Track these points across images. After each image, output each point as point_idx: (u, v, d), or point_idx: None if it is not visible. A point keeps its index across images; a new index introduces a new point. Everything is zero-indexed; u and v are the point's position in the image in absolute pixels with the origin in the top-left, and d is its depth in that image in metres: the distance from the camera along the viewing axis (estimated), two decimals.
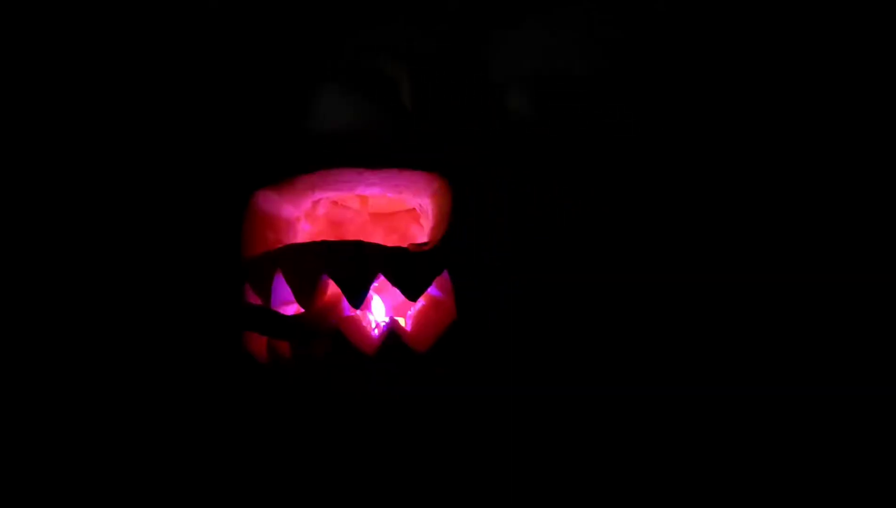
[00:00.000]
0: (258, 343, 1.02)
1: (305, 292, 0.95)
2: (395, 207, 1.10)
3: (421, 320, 0.99)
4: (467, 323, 0.98)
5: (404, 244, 0.98)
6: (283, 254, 0.97)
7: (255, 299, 1.00)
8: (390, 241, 1.07)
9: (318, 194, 1.05)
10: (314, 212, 1.09)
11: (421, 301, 0.99)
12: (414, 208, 1.08)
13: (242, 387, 1.05)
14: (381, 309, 1.02)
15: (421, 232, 1.08)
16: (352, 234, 1.10)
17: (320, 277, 0.94)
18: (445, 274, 0.97)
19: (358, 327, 0.98)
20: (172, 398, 1.06)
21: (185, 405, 1.06)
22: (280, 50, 1.11)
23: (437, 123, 1.09)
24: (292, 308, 0.99)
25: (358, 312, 0.98)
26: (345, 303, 0.97)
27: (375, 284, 0.96)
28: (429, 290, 0.97)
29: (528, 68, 1.12)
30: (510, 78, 1.12)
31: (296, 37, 1.11)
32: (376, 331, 0.99)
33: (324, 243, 0.99)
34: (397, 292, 0.97)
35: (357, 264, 0.95)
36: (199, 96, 1.10)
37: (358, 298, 0.94)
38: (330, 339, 0.95)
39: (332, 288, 0.97)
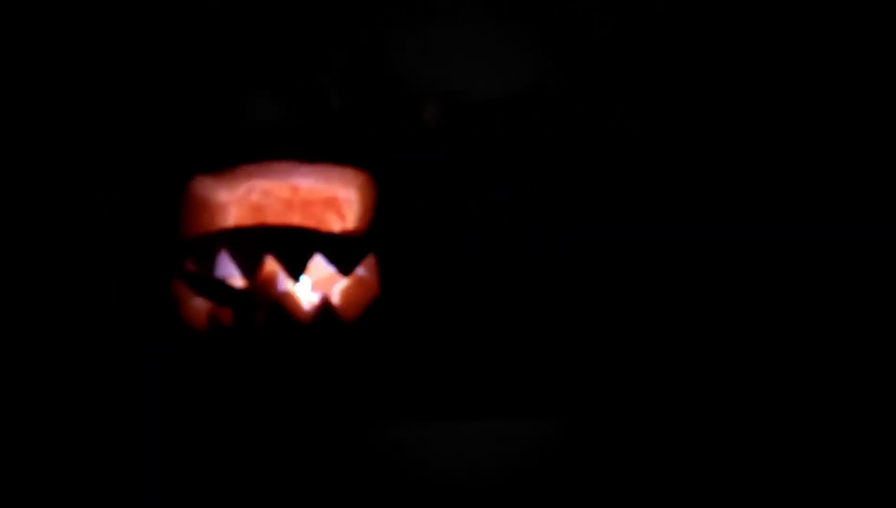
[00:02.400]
0: (197, 313, 1.13)
1: (249, 268, 1.07)
2: (323, 196, 1.23)
3: (348, 295, 1.13)
4: (389, 299, 1.14)
5: (322, 229, 1.13)
6: (230, 235, 1.09)
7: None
8: (309, 225, 1.20)
9: (255, 182, 1.17)
10: (246, 198, 1.21)
11: (346, 280, 1.13)
12: (337, 198, 1.22)
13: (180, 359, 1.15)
14: (307, 287, 1.16)
15: (338, 219, 1.22)
16: (273, 218, 1.22)
17: (264, 254, 1.07)
18: (372, 256, 1.13)
19: (293, 300, 1.11)
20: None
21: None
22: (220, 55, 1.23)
23: (362, 125, 1.23)
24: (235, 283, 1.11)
25: (291, 288, 1.12)
26: (280, 279, 1.11)
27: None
28: (356, 269, 1.12)
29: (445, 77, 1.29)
30: (427, 86, 1.28)
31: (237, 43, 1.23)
32: (307, 304, 1.12)
33: (267, 227, 1.12)
34: (322, 271, 1.11)
35: (297, 245, 1.08)
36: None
37: (298, 273, 1.08)
38: (269, 308, 1.08)
39: (269, 267, 1.10)
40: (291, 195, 1.23)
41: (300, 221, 1.23)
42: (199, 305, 1.13)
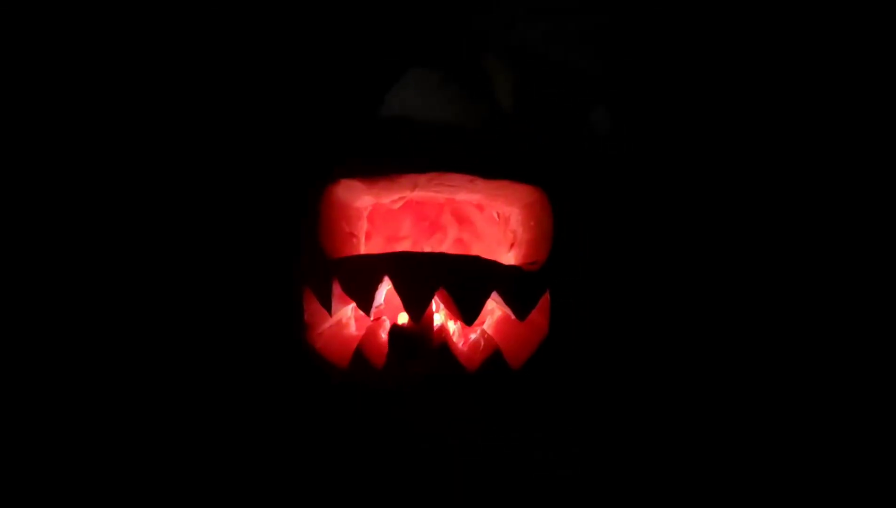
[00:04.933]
0: (340, 344, 0.97)
1: (418, 306, 0.91)
2: (479, 210, 1.07)
3: (516, 337, 0.97)
4: (558, 340, 0.98)
5: (498, 260, 0.96)
6: (394, 261, 0.92)
7: (344, 299, 0.94)
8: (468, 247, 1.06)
9: (417, 193, 0.99)
10: (389, 207, 1.03)
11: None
12: (495, 213, 1.05)
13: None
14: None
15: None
16: (427, 236, 1.06)
17: (436, 290, 0.90)
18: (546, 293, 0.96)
19: (456, 343, 0.95)
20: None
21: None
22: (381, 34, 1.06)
23: (534, 127, 1.05)
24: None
25: (456, 328, 0.96)
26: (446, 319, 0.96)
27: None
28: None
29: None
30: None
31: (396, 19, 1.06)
32: (468, 346, 0.97)
33: (440, 254, 0.95)
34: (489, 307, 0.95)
35: (473, 281, 0.92)
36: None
37: (473, 316, 0.91)
38: (434, 353, 0.92)
39: (438, 303, 0.94)
40: (443, 205, 1.06)
41: (455, 236, 1.07)
42: (345, 335, 0.97)
